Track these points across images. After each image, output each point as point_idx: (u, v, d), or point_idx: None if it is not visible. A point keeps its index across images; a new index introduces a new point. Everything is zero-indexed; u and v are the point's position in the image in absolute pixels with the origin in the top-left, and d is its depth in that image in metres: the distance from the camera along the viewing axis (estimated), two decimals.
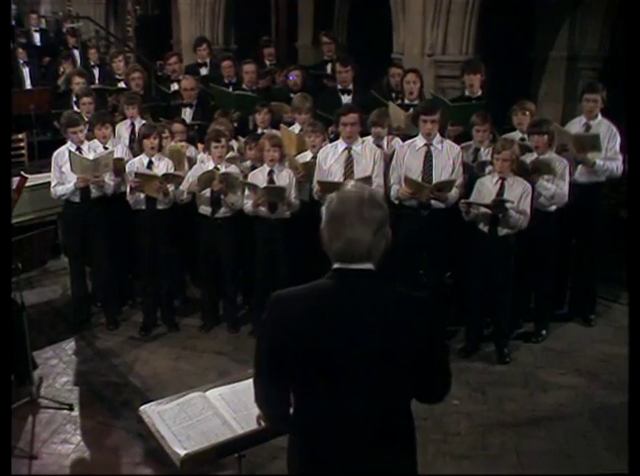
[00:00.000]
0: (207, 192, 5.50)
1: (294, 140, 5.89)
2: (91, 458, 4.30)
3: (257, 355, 2.30)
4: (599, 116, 5.66)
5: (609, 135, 5.58)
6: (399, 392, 2.27)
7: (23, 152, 8.26)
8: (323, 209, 2.26)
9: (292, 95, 6.65)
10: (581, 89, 6.11)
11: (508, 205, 5.02)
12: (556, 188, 5.24)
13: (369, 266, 2.22)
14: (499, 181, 5.15)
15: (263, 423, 2.63)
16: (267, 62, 8.05)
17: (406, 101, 6.30)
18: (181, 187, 5.61)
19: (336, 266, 2.24)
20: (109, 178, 5.64)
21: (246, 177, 5.57)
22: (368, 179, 5.22)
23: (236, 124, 6.43)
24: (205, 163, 5.62)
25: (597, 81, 6.39)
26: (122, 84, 7.66)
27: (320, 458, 2.25)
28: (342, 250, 2.20)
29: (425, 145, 5.28)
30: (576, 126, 5.78)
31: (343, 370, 2.17)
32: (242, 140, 6.17)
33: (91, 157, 5.62)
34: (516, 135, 5.63)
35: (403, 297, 2.29)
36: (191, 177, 5.59)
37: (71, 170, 5.50)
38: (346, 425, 2.21)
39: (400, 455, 2.32)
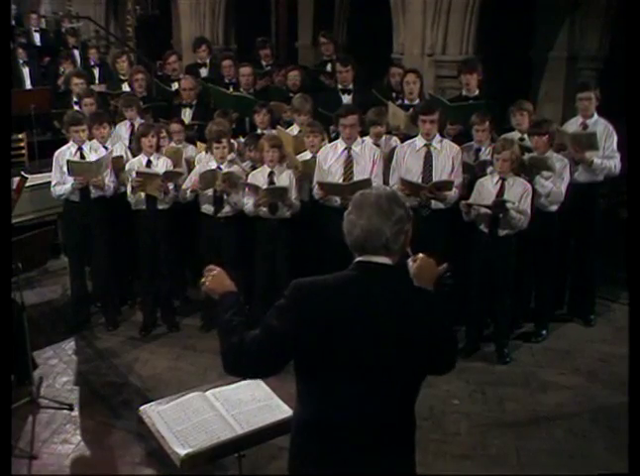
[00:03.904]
0: (210, 191, 5.50)
1: (291, 141, 5.88)
2: (91, 458, 4.30)
3: (265, 331, 2.24)
4: (595, 115, 5.69)
5: (606, 133, 5.61)
6: (412, 387, 2.32)
7: (23, 152, 8.25)
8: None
9: (292, 95, 6.66)
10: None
11: (509, 206, 5.02)
12: (553, 187, 5.25)
13: (387, 260, 2.27)
14: (500, 182, 5.15)
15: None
16: (264, 63, 8.06)
17: (406, 101, 6.30)
18: (184, 186, 5.62)
19: (358, 259, 2.29)
20: (109, 180, 5.64)
21: (246, 176, 5.58)
22: (367, 181, 5.22)
23: (234, 125, 6.43)
24: (207, 163, 5.62)
25: (591, 80, 6.41)
26: (126, 86, 7.65)
27: (337, 454, 2.24)
28: (359, 240, 2.25)
29: (425, 145, 5.29)
30: (573, 126, 5.80)
31: (362, 362, 2.19)
32: (241, 140, 6.17)
33: (92, 156, 5.65)
34: (515, 135, 5.64)
35: (417, 291, 2.37)
36: (194, 175, 5.59)
37: (69, 175, 5.50)
38: (365, 419, 2.22)
39: (407, 452, 2.36)
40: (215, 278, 2.51)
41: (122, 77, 7.74)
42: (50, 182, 5.77)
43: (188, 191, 5.59)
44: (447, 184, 5.17)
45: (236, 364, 2.28)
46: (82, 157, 5.65)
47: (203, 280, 2.52)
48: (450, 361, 2.44)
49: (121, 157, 5.86)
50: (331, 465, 2.25)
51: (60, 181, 5.62)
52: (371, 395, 2.21)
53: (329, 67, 7.71)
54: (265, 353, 2.23)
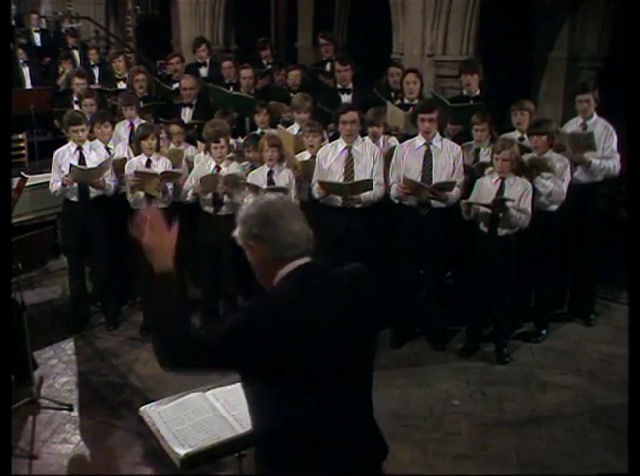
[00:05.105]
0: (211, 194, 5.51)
1: (292, 140, 5.88)
2: (91, 458, 4.30)
3: (217, 345, 2.12)
4: (595, 116, 5.68)
5: (606, 134, 5.60)
6: (371, 369, 2.32)
7: (23, 152, 8.25)
8: (241, 222, 2.24)
9: (292, 95, 6.66)
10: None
11: (509, 205, 5.02)
12: (554, 187, 5.24)
13: (308, 259, 2.23)
14: (500, 181, 5.15)
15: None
16: (265, 63, 8.08)
17: (406, 101, 6.30)
18: (185, 188, 5.62)
19: (288, 270, 2.20)
20: (109, 180, 5.66)
21: (246, 176, 5.57)
22: (368, 182, 5.22)
23: (234, 125, 6.43)
24: (206, 163, 5.62)
25: (590, 81, 6.41)
26: (122, 85, 7.69)
27: (319, 458, 2.21)
28: (289, 245, 2.18)
29: (425, 144, 5.28)
30: (572, 127, 5.80)
31: (329, 364, 2.16)
32: (240, 140, 6.17)
33: (92, 156, 5.66)
34: (515, 134, 5.63)
35: (347, 272, 2.33)
36: (194, 177, 5.59)
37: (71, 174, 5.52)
38: (341, 417, 2.21)
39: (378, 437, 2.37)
40: (156, 237, 2.29)
41: (118, 77, 7.79)
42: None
43: (190, 194, 5.59)
44: (448, 186, 5.17)
45: (181, 357, 2.16)
46: (82, 156, 5.66)
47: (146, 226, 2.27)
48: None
49: (124, 158, 5.87)
50: (315, 468, 2.22)
51: (58, 180, 5.63)
52: (343, 392, 2.20)
53: (328, 67, 7.72)
54: (211, 361, 2.16)
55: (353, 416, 2.25)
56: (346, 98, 6.62)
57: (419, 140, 5.31)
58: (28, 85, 9.54)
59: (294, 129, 6.14)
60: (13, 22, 12.30)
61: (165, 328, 2.18)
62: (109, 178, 5.65)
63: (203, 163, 5.66)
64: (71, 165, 5.53)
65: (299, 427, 2.19)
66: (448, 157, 5.26)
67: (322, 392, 2.17)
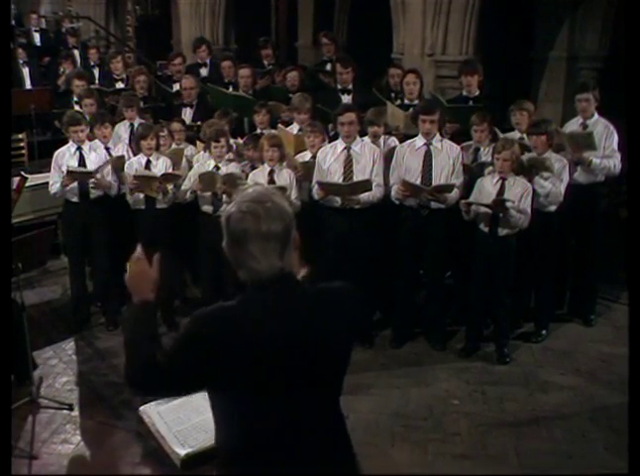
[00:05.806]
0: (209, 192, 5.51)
1: (292, 140, 5.88)
2: (91, 458, 4.30)
3: (172, 360, 2.11)
4: (596, 115, 5.68)
5: (606, 133, 5.60)
6: (338, 381, 2.26)
7: (23, 152, 8.25)
8: (222, 222, 2.16)
9: (291, 95, 6.66)
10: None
11: (509, 205, 5.02)
12: (552, 187, 5.24)
13: (280, 275, 2.14)
14: (500, 181, 5.15)
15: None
16: (266, 63, 8.08)
17: (406, 101, 6.30)
18: (184, 187, 5.62)
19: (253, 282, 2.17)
20: (112, 180, 5.66)
21: (246, 176, 5.58)
22: (367, 182, 5.22)
23: (233, 125, 6.44)
24: (206, 162, 5.62)
25: (590, 80, 6.41)
26: (120, 84, 7.70)
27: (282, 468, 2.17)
28: (251, 278, 2.15)
29: (425, 145, 5.28)
30: (573, 126, 5.80)
31: (288, 378, 2.11)
32: (239, 141, 6.18)
33: (92, 156, 5.66)
34: (514, 134, 5.63)
35: (325, 290, 2.26)
36: (193, 176, 5.59)
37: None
38: (301, 429, 2.16)
39: (347, 447, 2.31)
40: (137, 275, 2.25)
41: (116, 77, 7.82)
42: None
43: (188, 193, 5.59)
44: (448, 187, 5.17)
45: (147, 381, 2.16)
46: (82, 157, 5.67)
47: (129, 265, 2.27)
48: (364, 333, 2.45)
49: (122, 156, 5.87)
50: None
51: (57, 181, 5.63)
52: (302, 403, 2.15)
53: (329, 67, 7.73)
54: (176, 380, 2.15)
55: (312, 430, 2.18)
56: (346, 98, 6.62)
57: (419, 140, 5.31)
58: (28, 85, 9.54)
59: (294, 129, 6.15)
60: (13, 22, 12.31)
61: (135, 355, 2.17)
62: (111, 178, 5.66)
63: (202, 163, 5.66)
64: (68, 170, 5.52)
65: (255, 441, 2.15)
66: (448, 158, 5.26)
67: (274, 405, 2.12)
